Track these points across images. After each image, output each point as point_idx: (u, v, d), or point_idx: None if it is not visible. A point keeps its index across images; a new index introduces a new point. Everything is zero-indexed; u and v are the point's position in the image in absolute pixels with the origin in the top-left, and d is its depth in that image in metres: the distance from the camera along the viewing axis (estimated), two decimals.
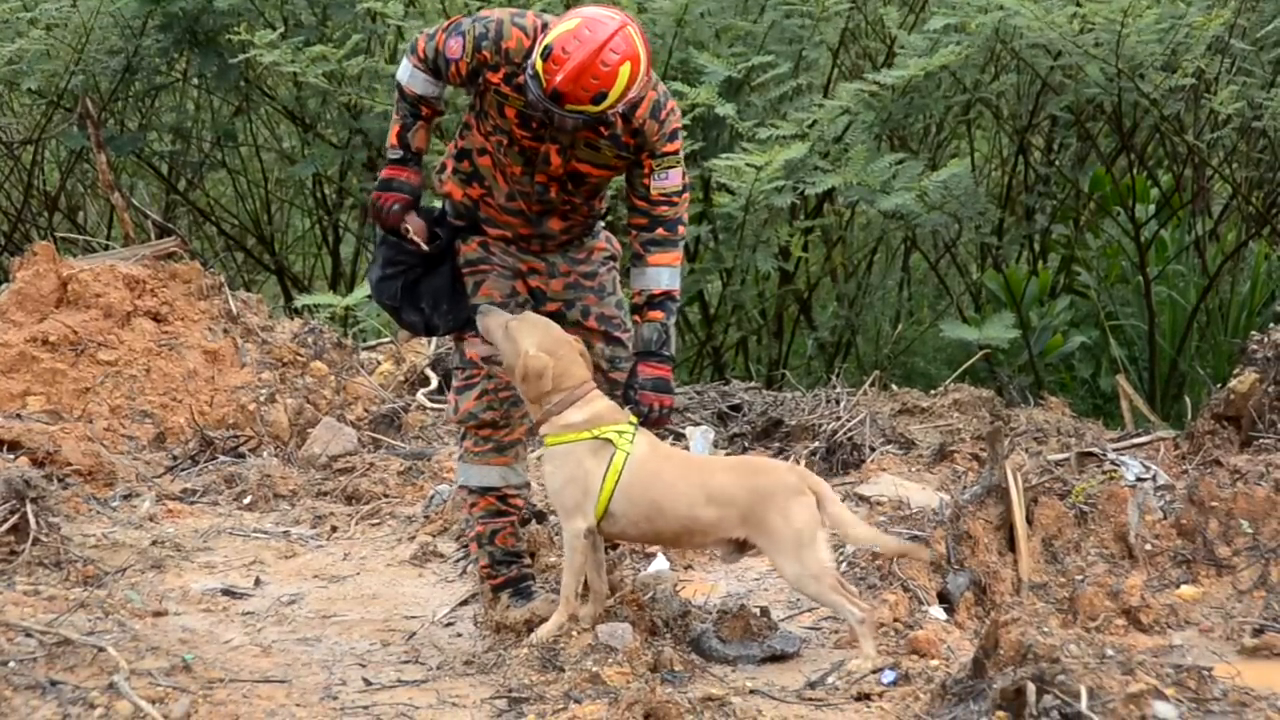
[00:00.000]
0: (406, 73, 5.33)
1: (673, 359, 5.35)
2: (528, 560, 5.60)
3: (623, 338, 5.48)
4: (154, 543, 6.71)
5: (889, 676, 4.96)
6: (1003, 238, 11.37)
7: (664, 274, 5.29)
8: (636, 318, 5.34)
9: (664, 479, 5.13)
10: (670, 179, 5.28)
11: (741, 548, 5.20)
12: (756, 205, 9.85)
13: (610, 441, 5.11)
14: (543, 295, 5.46)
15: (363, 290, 10.63)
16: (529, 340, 5.17)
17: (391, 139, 5.39)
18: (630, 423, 5.18)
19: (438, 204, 5.52)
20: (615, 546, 5.90)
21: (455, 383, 5.52)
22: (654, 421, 5.27)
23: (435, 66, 5.26)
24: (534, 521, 5.93)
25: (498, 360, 5.26)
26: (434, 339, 9.38)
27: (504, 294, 5.40)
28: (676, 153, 5.28)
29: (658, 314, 5.29)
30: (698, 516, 5.11)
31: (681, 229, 5.35)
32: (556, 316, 5.45)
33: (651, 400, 5.27)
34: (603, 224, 5.60)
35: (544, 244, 5.44)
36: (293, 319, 10.14)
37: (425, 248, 5.36)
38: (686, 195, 5.35)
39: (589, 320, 5.47)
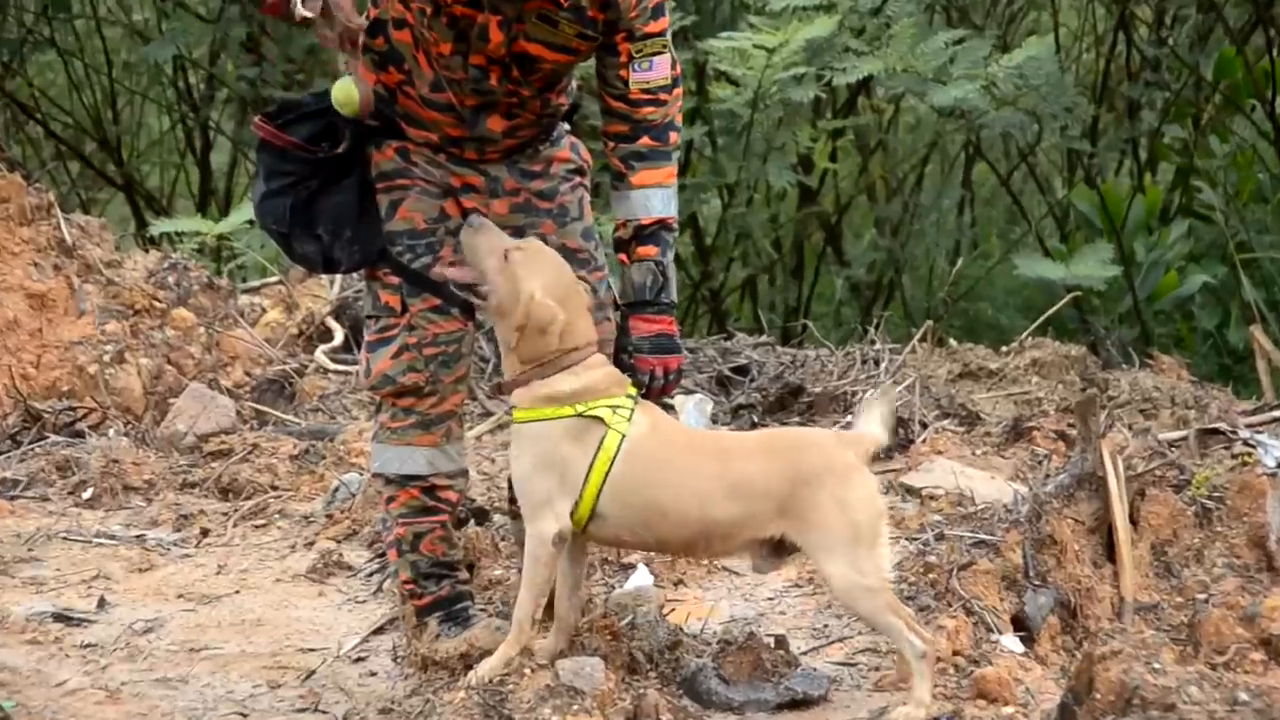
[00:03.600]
0: None
1: (674, 306, 5.33)
2: (464, 574, 5.58)
3: (592, 279, 5.44)
4: None
5: None
6: (1097, 143, 11.38)
7: (654, 196, 5.27)
8: (623, 257, 5.31)
9: (670, 468, 5.09)
10: (655, 69, 5.25)
11: (779, 551, 5.16)
12: (768, 100, 9.83)
13: (601, 420, 5.07)
14: None
15: (242, 214, 10.59)
16: (535, 281, 5.10)
17: None
18: (629, 395, 5.14)
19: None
20: None
21: (367, 336, 5.49)
22: (658, 391, 5.26)
23: None
24: (473, 522, 5.92)
25: (481, 293, 5.19)
26: (337, 277, 9.35)
27: (429, 218, 5.36)
28: (663, 33, 5.25)
29: (650, 249, 5.27)
30: (715, 517, 5.06)
31: (674, 135, 5.32)
32: None
33: (653, 364, 5.25)
34: (566, 127, 5.55)
35: (482, 151, 5.40)
36: (148, 251, 10.11)
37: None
38: (678, 90, 5.32)
39: None
